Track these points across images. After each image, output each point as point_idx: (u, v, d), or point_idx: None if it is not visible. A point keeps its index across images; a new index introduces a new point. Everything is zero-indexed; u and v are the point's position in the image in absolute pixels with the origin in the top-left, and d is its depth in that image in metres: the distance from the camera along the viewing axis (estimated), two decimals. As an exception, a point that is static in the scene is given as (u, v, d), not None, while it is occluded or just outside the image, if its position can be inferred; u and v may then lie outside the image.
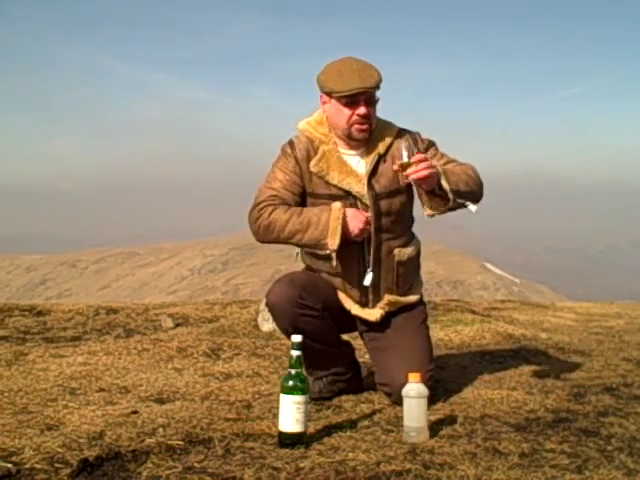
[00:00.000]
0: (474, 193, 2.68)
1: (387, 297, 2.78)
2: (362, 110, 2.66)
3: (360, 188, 2.70)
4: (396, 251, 2.76)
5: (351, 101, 2.66)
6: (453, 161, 2.79)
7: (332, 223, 2.58)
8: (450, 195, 2.56)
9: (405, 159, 2.51)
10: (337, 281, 2.77)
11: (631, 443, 2.22)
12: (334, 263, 2.65)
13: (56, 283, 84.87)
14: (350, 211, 2.62)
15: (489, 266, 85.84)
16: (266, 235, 2.69)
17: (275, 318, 2.72)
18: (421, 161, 2.49)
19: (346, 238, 2.59)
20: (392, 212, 2.74)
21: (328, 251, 2.61)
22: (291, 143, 2.80)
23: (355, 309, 2.79)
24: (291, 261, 2.98)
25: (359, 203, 2.70)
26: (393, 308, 2.81)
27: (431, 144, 2.84)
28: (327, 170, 2.72)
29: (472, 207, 2.66)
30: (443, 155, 2.82)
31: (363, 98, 2.66)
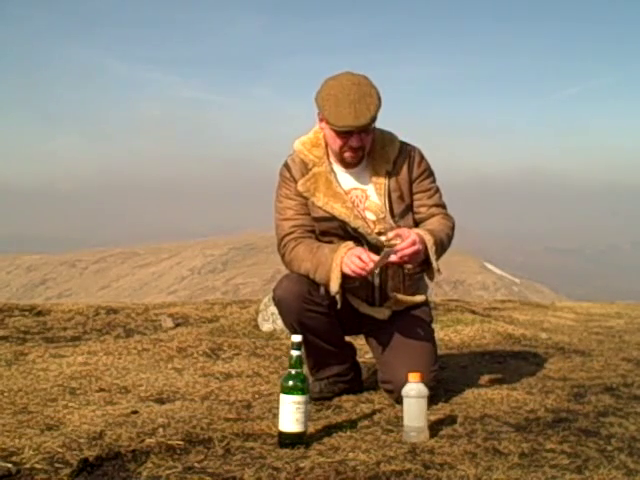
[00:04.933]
0: (444, 251, 2.72)
1: (394, 296, 2.79)
2: (354, 142, 2.62)
3: (342, 212, 2.67)
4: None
5: (345, 133, 2.61)
6: (438, 206, 2.78)
7: (333, 268, 2.55)
8: (435, 272, 2.64)
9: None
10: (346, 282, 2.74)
11: (631, 443, 2.22)
12: (339, 305, 2.63)
13: (56, 283, 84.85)
14: (350, 253, 2.54)
15: (489, 266, 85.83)
16: (292, 271, 2.70)
17: (281, 312, 2.73)
18: (408, 251, 2.46)
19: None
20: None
21: (332, 294, 2.59)
22: (287, 166, 2.77)
23: (364, 307, 2.80)
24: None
25: (349, 229, 2.66)
26: (400, 307, 2.81)
27: (425, 174, 2.78)
28: (313, 191, 2.70)
29: (439, 274, 2.68)
30: (432, 195, 2.78)
31: (357, 131, 2.61)
